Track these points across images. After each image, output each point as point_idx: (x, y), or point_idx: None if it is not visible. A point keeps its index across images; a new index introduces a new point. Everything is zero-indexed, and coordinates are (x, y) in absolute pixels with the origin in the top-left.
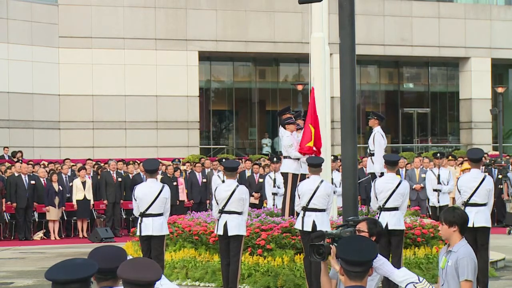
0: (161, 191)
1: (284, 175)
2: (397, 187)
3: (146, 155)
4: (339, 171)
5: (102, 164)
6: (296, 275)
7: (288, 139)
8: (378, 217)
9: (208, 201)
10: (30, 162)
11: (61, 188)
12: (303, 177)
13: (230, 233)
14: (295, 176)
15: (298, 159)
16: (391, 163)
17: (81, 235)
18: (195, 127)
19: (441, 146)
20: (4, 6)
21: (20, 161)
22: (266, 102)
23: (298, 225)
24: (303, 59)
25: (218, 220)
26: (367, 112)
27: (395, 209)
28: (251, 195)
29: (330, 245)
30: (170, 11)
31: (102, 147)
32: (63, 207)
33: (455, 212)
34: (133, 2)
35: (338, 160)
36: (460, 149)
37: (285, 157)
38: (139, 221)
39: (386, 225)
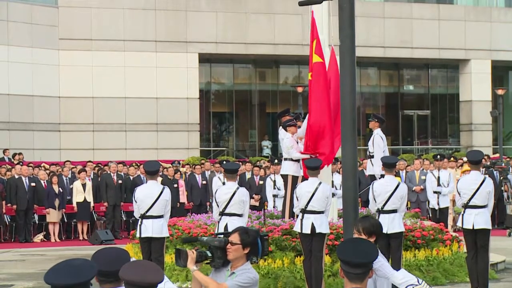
0: (161, 193)
1: (284, 177)
2: (395, 189)
3: (146, 157)
4: (339, 173)
5: (103, 166)
6: (296, 277)
7: (289, 141)
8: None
9: (208, 203)
10: (31, 164)
11: (61, 190)
12: (304, 179)
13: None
14: (295, 178)
15: (298, 161)
16: (389, 165)
17: (81, 237)
18: (195, 129)
19: (441, 148)
20: (4, 8)
21: (21, 163)
22: (266, 104)
23: (297, 228)
24: (303, 61)
25: (219, 222)
26: (367, 114)
27: (394, 211)
28: (251, 197)
29: (191, 251)
30: (170, 13)
31: (102, 149)
32: (63, 209)
33: (373, 221)
34: (133, 4)
35: (338, 162)
36: (460, 151)
37: (285, 159)
38: (139, 223)
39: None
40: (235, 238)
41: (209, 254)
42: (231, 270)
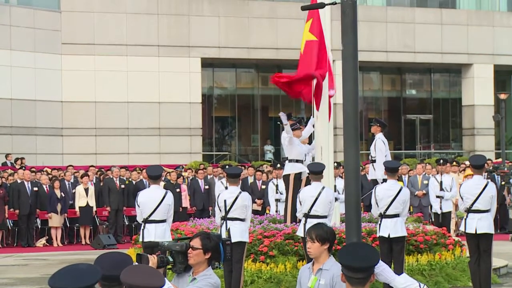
0: (164, 197)
1: (286, 178)
2: (397, 194)
3: (149, 161)
4: (342, 177)
5: (105, 171)
6: None
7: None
8: (380, 224)
9: (210, 208)
10: (33, 169)
11: (63, 195)
12: (308, 180)
13: (233, 240)
14: (297, 175)
15: (302, 162)
16: (391, 170)
17: (83, 242)
18: (198, 133)
19: (444, 152)
20: (7, 13)
21: (23, 168)
22: (269, 108)
23: (300, 232)
24: None
25: (221, 226)
26: (370, 119)
27: (396, 216)
28: (253, 202)
29: (152, 256)
30: (173, 18)
31: (104, 154)
32: (66, 214)
33: (326, 228)
34: (135, 9)
35: (341, 167)
36: (463, 156)
37: (289, 161)
38: (142, 227)
39: (388, 234)
40: (196, 243)
41: (171, 259)
42: (193, 275)
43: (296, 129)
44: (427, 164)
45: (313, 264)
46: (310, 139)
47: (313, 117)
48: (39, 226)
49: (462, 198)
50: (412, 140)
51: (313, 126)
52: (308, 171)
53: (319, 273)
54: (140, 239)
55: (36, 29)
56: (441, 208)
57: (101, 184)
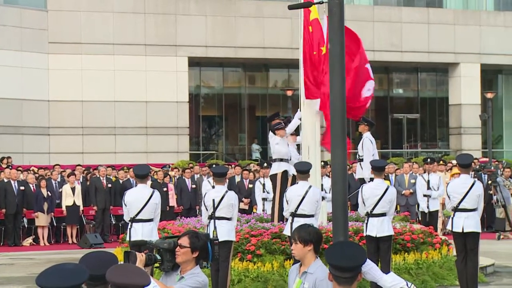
0: (151, 196)
1: (273, 177)
2: (384, 193)
3: (136, 161)
4: (329, 176)
5: (92, 170)
6: (286, 280)
7: (282, 144)
8: (366, 223)
9: (197, 207)
10: (20, 168)
11: (50, 194)
12: (294, 179)
13: (219, 239)
14: (284, 173)
15: (287, 160)
16: (378, 169)
17: (70, 241)
18: (185, 132)
19: (431, 151)
20: None
21: (10, 167)
22: (256, 107)
23: (286, 231)
24: (292, 64)
25: (208, 225)
26: None
27: (383, 215)
28: (240, 201)
29: (140, 254)
30: (160, 17)
31: (91, 153)
32: (52, 213)
33: (309, 229)
34: (122, 8)
35: (328, 166)
36: (450, 155)
37: (274, 160)
38: (128, 226)
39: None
40: (184, 241)
41: (158, 257)
42: (181, 274)
43: (280, 129)
44: (414, 163)
45: (300, 265)
46: (298, 131)
47: (300, 110)
48: (26, 225)
49: (449, 197)
50: (399, 139)
51: (300, 119)
52: (294, 171)
53: (304, 276)
54: (127, 238)
55: (23, 28)
56: (428, 207)
57: (88, 183)
